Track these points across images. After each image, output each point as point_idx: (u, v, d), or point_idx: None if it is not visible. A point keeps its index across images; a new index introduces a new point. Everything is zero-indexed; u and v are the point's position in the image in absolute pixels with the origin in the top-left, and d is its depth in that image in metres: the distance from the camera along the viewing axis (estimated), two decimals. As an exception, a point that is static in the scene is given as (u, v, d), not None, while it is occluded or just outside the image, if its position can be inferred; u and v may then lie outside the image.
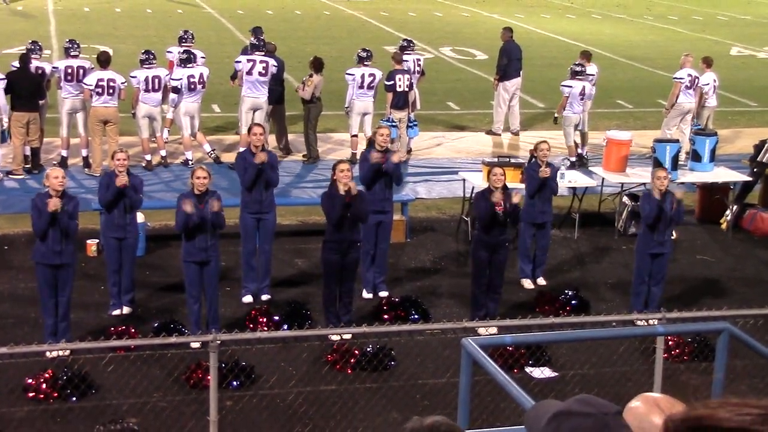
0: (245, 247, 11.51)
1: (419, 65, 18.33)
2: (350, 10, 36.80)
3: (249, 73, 16.38)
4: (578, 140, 17.34)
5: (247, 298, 11.48)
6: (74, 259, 10.12)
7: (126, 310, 10.98)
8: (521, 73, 19.30)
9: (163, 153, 16.39)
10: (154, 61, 16.16)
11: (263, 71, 16.41)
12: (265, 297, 11.52)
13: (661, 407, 2.67)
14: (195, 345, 9.55)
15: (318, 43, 27.40)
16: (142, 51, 16.46)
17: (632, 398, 2.74)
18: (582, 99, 16.90)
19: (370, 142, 12.16)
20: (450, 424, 2.61)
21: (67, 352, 9.17)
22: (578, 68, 17.06)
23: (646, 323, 9.21)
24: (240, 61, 16.55)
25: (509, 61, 19.03)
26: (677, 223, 11.60)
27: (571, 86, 16.85)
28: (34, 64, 16.05)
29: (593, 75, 17.95)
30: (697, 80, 17.51)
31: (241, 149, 14.84)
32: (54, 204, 9.60)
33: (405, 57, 17.52)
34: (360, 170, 11.63)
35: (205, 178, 10.12)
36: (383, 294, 11.64)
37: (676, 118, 17.53)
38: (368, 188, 11.40)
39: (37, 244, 9.89)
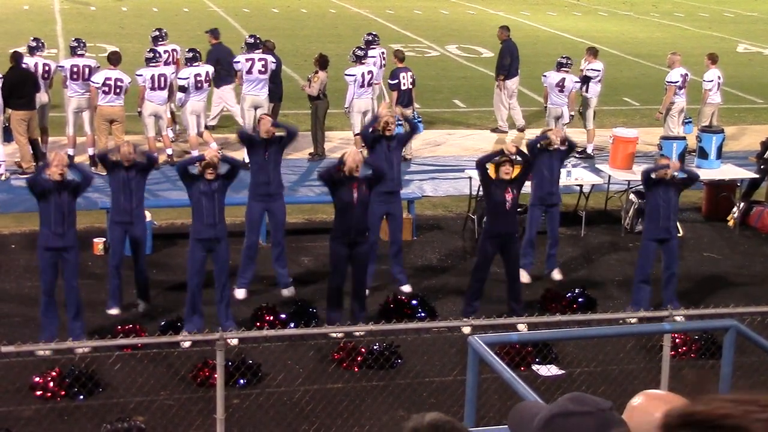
0: (248, 238, 11.47)
1: (383, 59, 18.20)
2: (356, 8, 36.79)
3: (249, 71, 16.38)
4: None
5: (241, 293, 11.40)
6: (76, 243, 10.07)
7: (142, 307, 11.02)
8: (519, 71, 19.34)
9: (169, 152, 16.40)
10: (160, 59, 16.19)
11: (263, 69, 16.42)
12: (287, 291, 11.53)
13: (665, 404, 2.65)
14: (185, 344, 9.55)
15: (323, 41, 27.39)
16: (148, 49, 16.48)
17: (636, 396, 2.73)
18: (561, 91, 16.83)
19: (374, 130, 12.18)
20: (450, 420, 2.62)
21: (87, 349, 9.16)
22: (563, 60, 17.09)
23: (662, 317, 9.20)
24: (239, 61, 16.55)
25: (511, 60, 19.01)
26: (694, 180, 11.55)
27: (546, 76, 16.94)
28: (41, 61, 16.08)
29: (599, 72, 17.94)
30: (686, 77, 17.49)
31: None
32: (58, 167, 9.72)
33: (370, 52, 17.38)
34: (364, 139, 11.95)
35: (214, 165, 10.24)
36: (407, 288, 11.67)
37: (675, 116, 17.49)
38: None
39: (41, 230, 9.89)
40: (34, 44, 16.27)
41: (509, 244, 10.86)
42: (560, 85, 16.79)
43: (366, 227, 10.62)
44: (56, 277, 9.94)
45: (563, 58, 17.23)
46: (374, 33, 18.52)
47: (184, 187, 10.50)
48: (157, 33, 17.73)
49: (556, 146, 12.18)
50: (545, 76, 17.12)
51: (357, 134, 16.90)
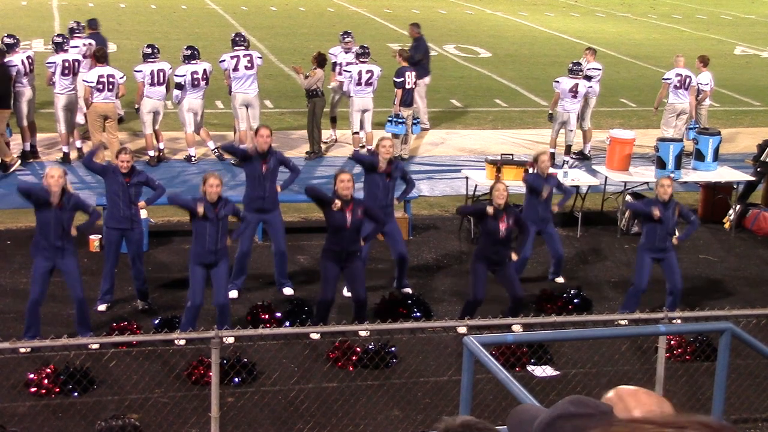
0: (242, 243, 11.46)
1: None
2: (354, 7, 36.79)
3: (235, 69, 16.35)
4: (570, 138, 17.19)
5: (233, 293, 11.37)
6: (75, 251, 10.12)
7: (141, 304, 11.01)
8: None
9: (161, 146, 16.37)
10: (158, 55, 16.16)
11: (249, 65, 16.38)
12: (288, 291, 11.56)
13: (636, 400, 2.64)
14: (181, 342, 9.56)
15: (321, 39, 27.36)
16: (146, 45, 16.46)
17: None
18: (574, 97, 16.77)
19: (374, 154, 12.14)
20: (482, 421, 2.62)
21: (96, 346, 9.17)
22: (574, 66, 17.02)
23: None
24: (224, 60, 16.51)
25: (424, 57, 18.86)
26: (694, 228, 11.48)
27: (559, 81, 16.88)
28: (24, 55, 15.99)
29: (599, 71, 17.92)
30: (688, 80, 17.45)
31: (242, 146, 14.87)
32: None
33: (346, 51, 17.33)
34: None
35: (218, 186, 10.05)
36: (409, 291, 11.67)
37: (671, 118, 17.49)
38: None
39: (37, 240, 9.86)
40: (12, 41, 16.14)
41: (501, 269, 10.66)
42: (573, 91, 16.69)
43: (357, 248, 10.46)
44: (42, 294, 9.94)
45: (574, 64, 17.12)
46: (348, 31, 18.44)
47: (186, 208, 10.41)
48: (74, 25, 17.67)
49: (549, 172, 12.14)
50: (557, 81, 16.89)
51: (355, 132, 16.90)
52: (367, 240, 10.82)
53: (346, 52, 17.57)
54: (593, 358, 10.06)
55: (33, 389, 9.05)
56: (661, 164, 14.11)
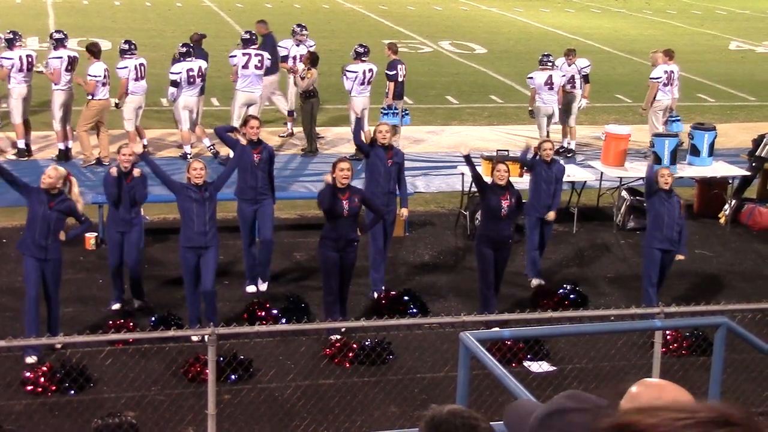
0: (244, 237, 11.49)
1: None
2: (349, 4, 36.76)
3: (245, 66, 16.33)
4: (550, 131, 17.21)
5: (250, 288, 11.46)
6: (60, 255, 9.97)
7: (137, 303, 10.95)
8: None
9: (144, 141, 16.29)
10: (135, 51, 16.03)
11: (259, 64, 16.38)
12: (263, 287, 11.51)
13: (662, 392, 2.64)
14: (194, 338, 9.58)
15: (317, 36, 27.20)
16: (123, 41, 16.30)
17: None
18: (551, 88, 16.81)
19: (372, 141, 12.12)
20: (469, 410, 2.64)
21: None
22: (544, 58, 17.08)
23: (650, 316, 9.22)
24: (235, 55, 16.51)
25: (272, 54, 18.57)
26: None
27: (532, 77, 16.94)
28: (24, 53, 15.95)
29: (589, 66, 17.92)
30: (672, 75, 17.44)
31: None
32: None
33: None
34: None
35: (201, 169, 10.13)
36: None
37: (659, 114, 17.47)
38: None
39: (25, 236, 9.82)
40: (11, 36, 16.11)
41: (502, 249, 10.80)
42: (549, 83, 16.76)
43: (354, 237, 10.46)
44: (43, 289, 9.83)
45: (544, 56, 17.23)
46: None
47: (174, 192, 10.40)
48: None
49: (550, 157, 12.17)
50: (531, 77, 17.06)
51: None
52: (365, 231, 10.85)
53: (298, 45, 17.61)
54: (590, 354, 10.07)
55: (29, 387, 9.04)
56: (656, 160, 14.11)
